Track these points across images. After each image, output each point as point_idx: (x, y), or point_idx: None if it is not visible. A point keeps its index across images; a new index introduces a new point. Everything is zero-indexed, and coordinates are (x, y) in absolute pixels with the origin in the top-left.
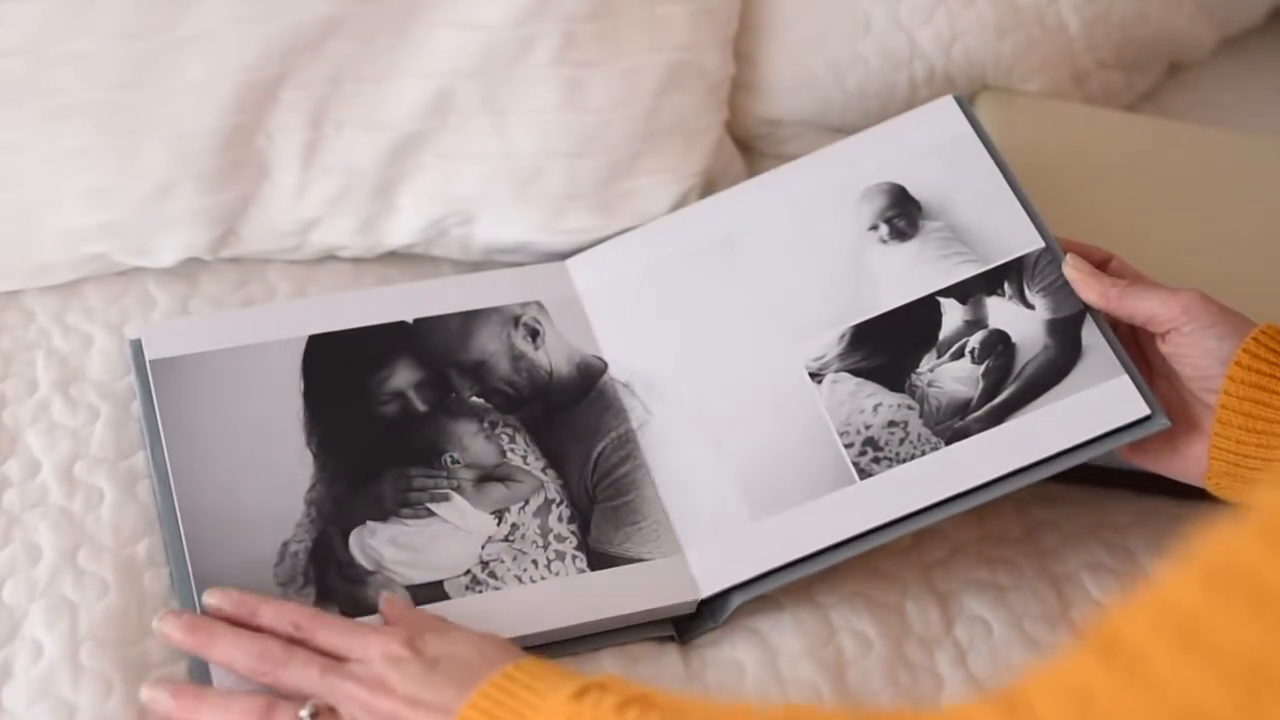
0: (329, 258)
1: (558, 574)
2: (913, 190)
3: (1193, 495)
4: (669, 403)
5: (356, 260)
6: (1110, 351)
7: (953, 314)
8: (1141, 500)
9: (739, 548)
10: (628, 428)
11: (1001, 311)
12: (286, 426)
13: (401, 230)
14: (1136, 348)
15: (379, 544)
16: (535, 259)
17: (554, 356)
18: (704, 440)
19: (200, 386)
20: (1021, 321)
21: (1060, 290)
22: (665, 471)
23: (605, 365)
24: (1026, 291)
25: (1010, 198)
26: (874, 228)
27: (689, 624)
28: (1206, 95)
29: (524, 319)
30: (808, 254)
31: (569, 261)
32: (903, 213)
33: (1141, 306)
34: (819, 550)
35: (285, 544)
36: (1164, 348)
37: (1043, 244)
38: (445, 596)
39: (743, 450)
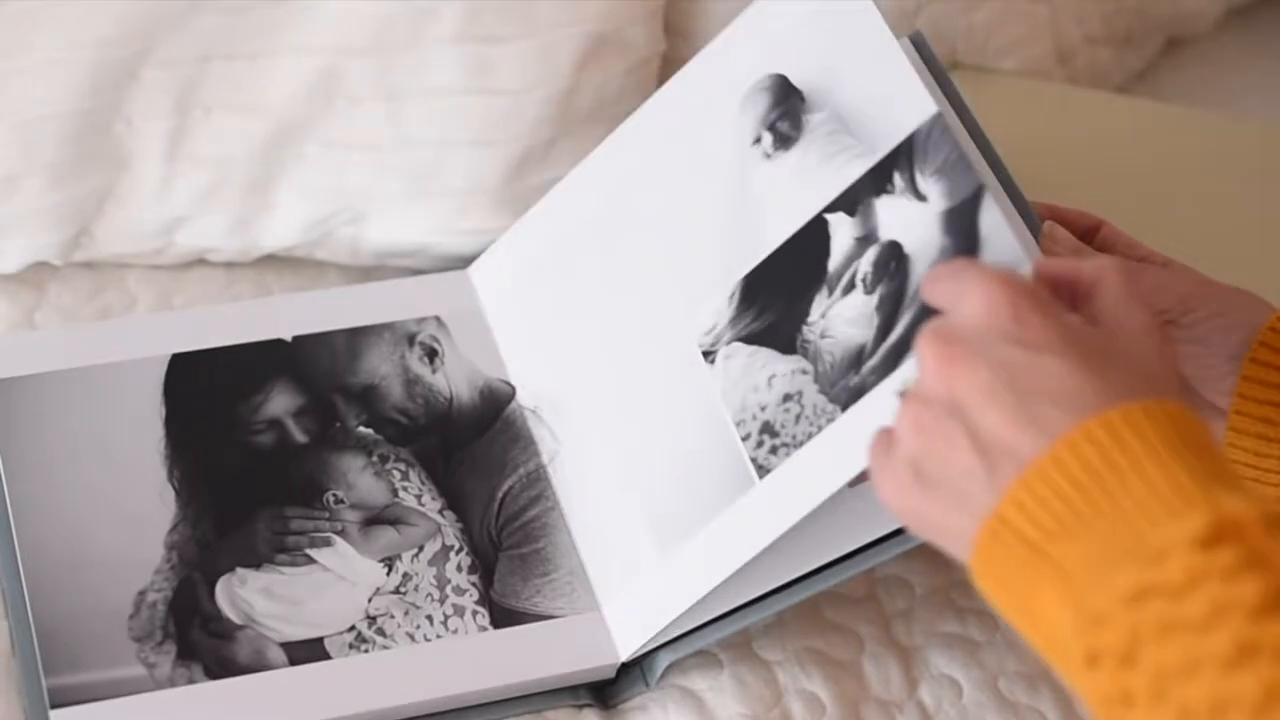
0: (197, 262)
1: (456, 632)
2: (794, 79)
3: None
4: (577, 426)
5: (229, 265)
6: None
7: (842, 233)
8: None
9: (650, 594)
10: (538, 463)
11: (893, 214)
12: (145, 458)
13: (280, 230)
14: None
15: (250, 594)
16: (434, 264)
17: (454, 380)
18: (611, 466)
19: (46, 411)
20: (914, 223)
21: (956, 166)
22: (579, 512)
23: (513, 390)
24: (918, 178)
25: (898, 58)
26: (757, 140)
27: (615, 687)
28: (1208, 75)
29: (420, 337)
30: (691, 198)
31: (471, 269)
32: (786, 111)
33: None
34: (757, 595)
35: (142, 593)
36: None
37: (935, 109)
38: (325, 656)
39: (647, 470)
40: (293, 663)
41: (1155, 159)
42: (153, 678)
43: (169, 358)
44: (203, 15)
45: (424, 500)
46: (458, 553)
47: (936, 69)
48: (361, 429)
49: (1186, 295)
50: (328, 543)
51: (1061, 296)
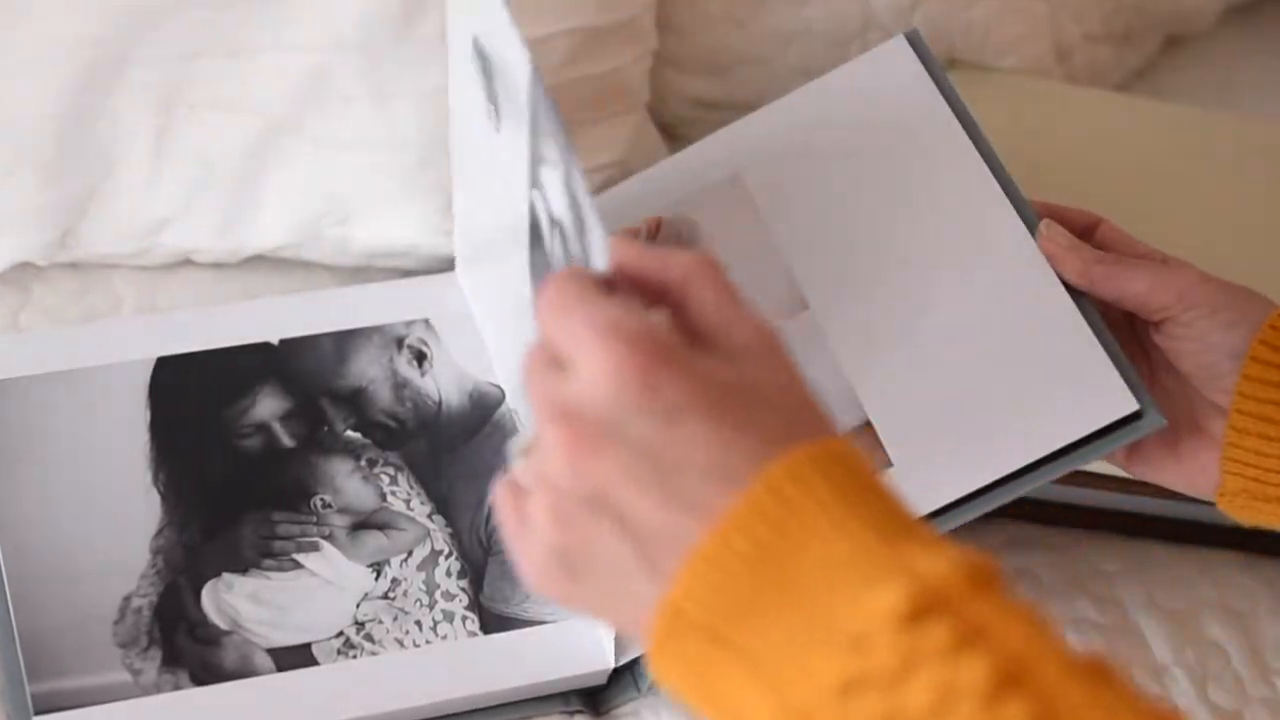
0: (183, 263)
1: (445, 637)
2: (479, 39)
3: (1186, 539)
4: None
5: (216, 266)
6: (1091, 334)
7: (541, 212)
8: (1131, 544)
9: None
10: None
11: (551, 186)
12: (130, 462)
13: (268, 230)
14: (1131, 331)
15: (236, 599)
16: (425, 264)
17: (443, 384)
18: None
19: (29, 414)
20: (558, 194)
21: (555, 122)
22: None
23: (502, 394)
24: (543, 140)
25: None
26: (488, 114)
27: (607, 693)
28: (1208, 73)
29: (408, 340)
30: (492, 186)
31: (459, 270)
32: (490, 77)
33: (1129, 290)
34: None
35: (127, 598)
36: (1159, 339)
37: (526, 57)
38: (313, 662)
39: None
40: (280, 669)
41: (1154, 157)
42: (138, 684)
43: (154, 361)
44: (188, 11)
45: (413, 505)
46: (447, 557)
47: (933, 67)
48: (349, 433)
49: (1185, 292)
50: (315, 548)
51: (648, 294)
